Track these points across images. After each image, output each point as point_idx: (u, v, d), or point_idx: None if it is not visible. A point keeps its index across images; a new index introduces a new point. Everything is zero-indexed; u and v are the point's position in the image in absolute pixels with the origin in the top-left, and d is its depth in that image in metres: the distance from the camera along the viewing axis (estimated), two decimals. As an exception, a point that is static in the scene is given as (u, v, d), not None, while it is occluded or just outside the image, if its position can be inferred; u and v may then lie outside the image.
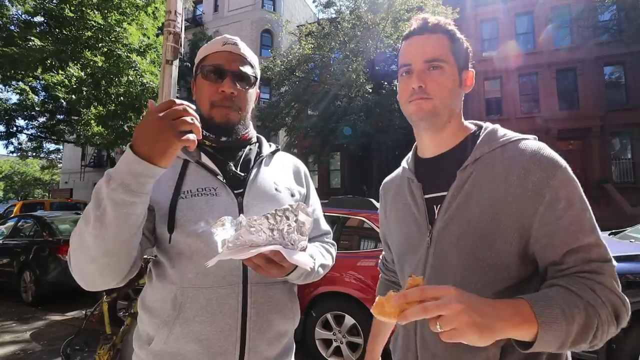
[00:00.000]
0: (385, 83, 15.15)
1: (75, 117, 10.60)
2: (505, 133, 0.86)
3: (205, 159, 1.02)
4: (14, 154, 14.89)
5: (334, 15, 17.70)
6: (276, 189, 1.05)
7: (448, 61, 0.85)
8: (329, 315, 3.62)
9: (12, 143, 12.94)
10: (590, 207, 0.76)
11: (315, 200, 1.19)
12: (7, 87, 10.16)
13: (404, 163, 1.03)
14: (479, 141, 0.85)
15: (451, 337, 0.60)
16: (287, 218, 0.78)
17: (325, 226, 1.18)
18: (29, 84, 10.21)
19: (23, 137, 13.81)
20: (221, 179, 0.99)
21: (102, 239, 0.74)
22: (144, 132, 0.70)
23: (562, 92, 16.93)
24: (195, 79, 1.07)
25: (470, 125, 0.93)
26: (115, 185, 0.71)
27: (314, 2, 18.66)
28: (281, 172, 1.12)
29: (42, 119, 12.26)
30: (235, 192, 0.99)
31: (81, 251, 0.78)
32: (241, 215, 0.81)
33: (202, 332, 0.89)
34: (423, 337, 0.86)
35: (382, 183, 1.12)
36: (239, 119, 1.05)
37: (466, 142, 0.89)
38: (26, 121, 12.35)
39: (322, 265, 1.05)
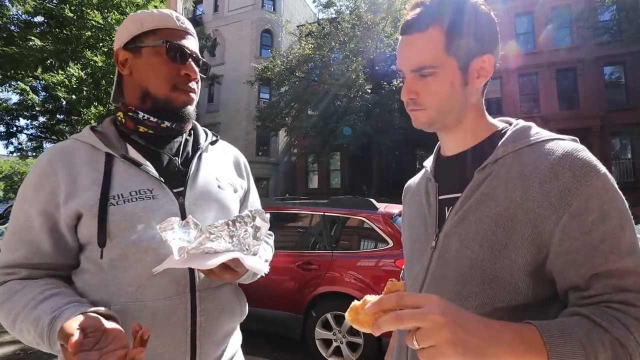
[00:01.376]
0: (385, 83, 15.16)
1: (75, 117, 10.59)
2: (538, 132, 0.72)
3: (133, 152, 0.88)
4: (14, 154, 14.89)
5: (334, 16, 17.70)
6: (219, 186, 0.95)
7: (442, 64, 0.71)
8: (329, 315, 3.62)
9: (12, 143, 12.94)
10: (634, 226, 0.62)
11: (254, 195, 1.13)
12: (7, 87, 10.16)
13: (425, 163, 0.92)
14: (503, 139, 0.73)
15: (430, 356, 0.49)
16: (245, 224, 0.76)
17: None
18: (29, 83, 10.21)
19: (23, 137, 13.80)
20: (156, 176, 0.86)
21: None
22: None
23: (562, 92, 16.93)
24: (138, 50, 0.91)
25: (498, 122, 0.81)
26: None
27: (314, 2, 18.67)
28: (222, 166, 1.01)
29: (42, 119, 12.26)
30: (174, 191, 0.87)
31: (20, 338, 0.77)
32: (189, 216, 0.74)
33: (149, 348, 0.79)
34: (414, 354, 0.74)
35: (405, 186, 1.02)
36: (194, 105, 0.96)
37: (490, 140, 0.77)
38: (26, 121, 12.37)
39: (266, 261, 1.01)
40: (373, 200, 3.96)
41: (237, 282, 1.00)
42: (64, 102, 10.02)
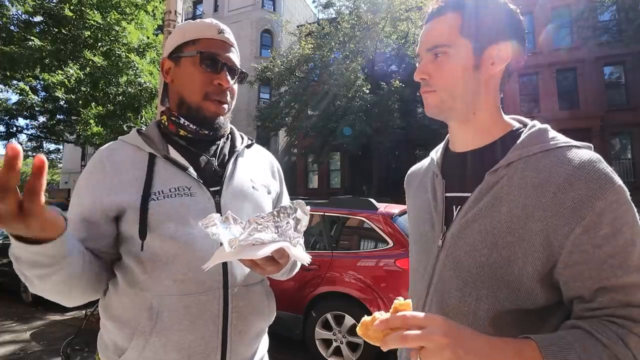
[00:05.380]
0: (384, 84, 15.15)
1: (75, 117, 10.58)
2: (554, 136, 0.70)
3: (174, 153, 0.93)
4: (14, 154, 14.84)
5: (333, 16, 17.71)
6: (253, 187, 0.99)
7: (455, 44, 0.72)
8: (329, 315, 3.62)
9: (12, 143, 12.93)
10: None
11: (287, 199, 1.16)
12: (7, 87, 10.15)
13: (432, 154, 0.91)
14: (518, 142, 0.71)
15: None
16: (288, 215, 0.76)
17: None
18: (29, 83, 10.20)
19: (23, 137, 13.79)
20: (194, 175, 0.91)
21: (50, 291, 0.77)
22: None
23: (562, 92, 16.93)
24: (178, 60, 0.96)
25: (512, 121, 0.79)
26: (27, 266, 0.69)
27: (313, 2, 18.67)
28: (256, 168, 1.05)
29: (42, 119, 12.25)
30: (211, 190, 0.91)
31: (40, 292, 0.78)
32: (228, 211, 0.76)
33: (182, 341, 0.84)
34: None
35: (407, 173, 1.00)
36: (227, 114, 1.00)
37: (503, 141, 0.75)
38: (26, 121, 12.35)
39: None
40: (373, 200, 3.95)
41: (267, 283, 1.03)
42: (63, 102, 10.01)
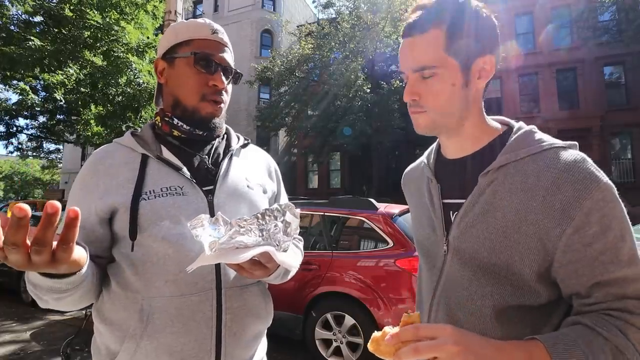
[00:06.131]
0: (384, 83, 15.14)
1: (75, 117, 10.58)
2: (540, 138, 0.72)
3: (167, 153, 0.93)
4: (14, 154, 14.86)
5: (333, 16, 17.70)
6: (248, 186, 0.97)
7: (443, 64, 0.71)
8: (329, 315, 3.62)
9: (12, 143, 12.91)
10: (634, 236, 0.64)
11: (285, 198, 1.15)
12: (7, 87, 10.15)
13: (424, 157, 0.92)
14: (506, 146, 0.73)
15: None
16: (275, 218, 0.74)
17: None
18: (29, 83, 10.20)
19: (23, 137, 13.78)
20: (187, 175, 0.90)
21: (61, 307, 0.80)
22: None
23: (562, 92, 16.93)
24: (172, 61, 0.95)
25: (498, 124, 0.81)
26: (44, 291, 0.73)
27: (313, 2, 18.67)
28: (252, 167, 1.04)
29: (42, 119, 12.24)
30: (204, 189, 0.90)
31: (50, 307, 0.80)
32: (219, 212, 0.75)
33: (174, 344, 0.82)
34: None
35: (403, 174, 1.02)
36: (222, 114, 0.99)
37: (492, 146, 0.77)
38: (26, 121, 12.34)
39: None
40: (373, 200, 3.95)
41: (266, 284, 1.01)
42: (63, 102, 10.01)
